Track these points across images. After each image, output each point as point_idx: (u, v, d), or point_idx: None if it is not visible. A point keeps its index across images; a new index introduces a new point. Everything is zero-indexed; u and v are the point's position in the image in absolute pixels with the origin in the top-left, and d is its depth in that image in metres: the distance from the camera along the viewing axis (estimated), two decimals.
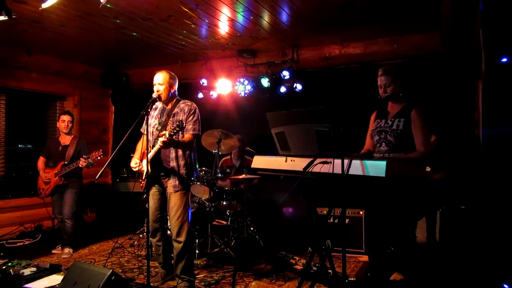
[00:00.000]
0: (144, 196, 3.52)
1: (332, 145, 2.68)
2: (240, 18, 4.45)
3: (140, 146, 3.71)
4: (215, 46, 5.63)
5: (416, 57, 5.04)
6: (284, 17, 4.44)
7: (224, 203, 4.91)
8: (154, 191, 3.64)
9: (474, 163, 4.27)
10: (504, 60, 3.17)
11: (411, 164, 2.86)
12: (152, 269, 4.00)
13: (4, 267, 3.39)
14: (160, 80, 3.55)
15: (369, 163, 2.52)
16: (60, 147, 5.03)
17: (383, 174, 2.41)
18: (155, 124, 3.61)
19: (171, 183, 3.52)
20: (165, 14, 4.32)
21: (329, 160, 2.65)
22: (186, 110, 3.55)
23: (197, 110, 3.62)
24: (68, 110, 6.12)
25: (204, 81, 6.21)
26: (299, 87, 5.58)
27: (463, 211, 3.94)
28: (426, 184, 3.06)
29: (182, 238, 3.50)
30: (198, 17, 4.41)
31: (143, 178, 3.52)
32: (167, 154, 3.53)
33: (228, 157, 5.72)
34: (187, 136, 3.51)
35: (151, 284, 3.26)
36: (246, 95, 5.93)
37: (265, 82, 5.70)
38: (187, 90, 6.30)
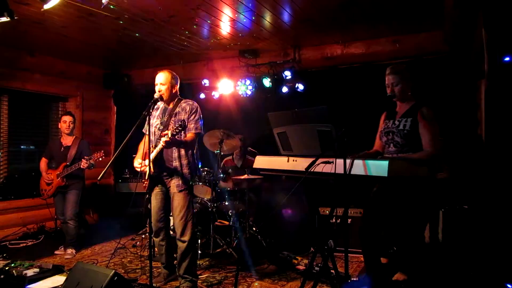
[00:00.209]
0: (147, 197, 3.53)
1: (334, 145, 2.68)
2: (241, 18, 4.45)
3: (142, 147, 3.72)
4: (217, 47, 5.63)
5: (419, 57, 5.02)
6: (286, 17, 4.44)
7: (226, 203, 4.90)
8: (157, 191, 3.64)
9: (476, 162, 4.26)
10: (507, 59, 3.16)
11: (415, 164, 2.82)
12: (154, 269, 3.99)
13: (7, 268, 3.41)
14: (162, 80, 3.55)
15: (371, 163, 2.51)
16: (62, 148, 5.03)
17: (385, 174, 2.41)
18: (157, 124, 3.61)
19: (175, 183, 3.52)
20: (167, 14, 4.33)
21: (331, 160, 2.65)
22: (187, 109, 3.55)
23: (199, 108, 3.62)
24: (69, 111, 6.11)
25: (206, 82, 6.21)
26: (301, 87, 5.57)
27: (466, 211, 3.92)
28: (430, 184, 3.01)
29: (186, 238, 3.50)
30: (200, 17, 4.42)
31: (146, 178, 3.52)
32: (169, 154, 3.53)
33: (230, 157, 5.72)
34: (190, 135, 3.51)
35: (153, 284, 3.27)
36: (248, 95, 5.93)
37: (267, 82, 5.70)
38: (189, 90, 6.32)
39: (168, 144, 3.25)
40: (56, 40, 5.28)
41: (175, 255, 3.69)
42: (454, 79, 4.84)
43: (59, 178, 4.86)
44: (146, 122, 3.35)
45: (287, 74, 5.49)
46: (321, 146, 2.80)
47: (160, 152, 3.47)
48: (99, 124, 7.31)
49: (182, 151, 3.53)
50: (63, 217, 4.93)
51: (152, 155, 3.41)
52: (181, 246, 3.52)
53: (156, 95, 3.47)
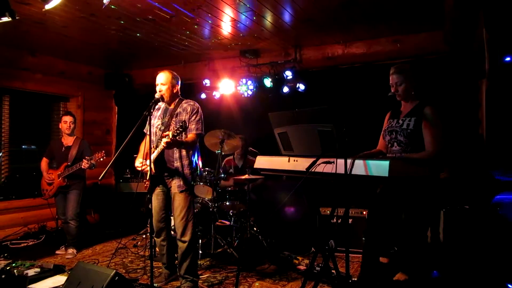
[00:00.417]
0: (148, 197, 3.53)
1: (335, 145, 2.68)
2: (242, 18, 4.45)
3: (143, 147, 3.72)
4: (218, 47, 5.63)
5: (420, 57, 5.02)
6: (287, 17, 4.44)
7: (227, 203, 4.90)
8: (158, 192, 3.64)
9: (477, 162, 4.25)
10: (508, 59, 3.16)
11: (416, 164, 2.82)
12: (155, 269, 4.00)
13: (8, 268, 3.41)
14: (162, 80, 3.55)
15: (372, 163, 2.51)
16: (63, 148, 5.04)
17: (386, 174, 2.40)
18: (158, 125, 3.61)
19: (176, 183, 3.52)
20: (168, 15, 4.33)
21: (331, 160, 2.65)
22: (189, 110, 3.55)
23: (200, 109, 3.62)
24: (69, 110, 6.12)
25: (207, 82, 6.21)
26: (302, 87, 5.57)
27: (467, 211, 3.91)
28: (432, 184, 3.01)
29: (187, 238, 3.51)
30: (200, 17, 4.42)
31: (147, 178, 3.53)
32: (170, 155, 3.54)
33: (231, 157, 5.71)
34: (191, 136, 3.52)
35: (154, 284, 3.27)
36: (249, 95, 5.93)
37: (268, 82, 5.70)
38: (190, 90, 6.31)
39: (169, 145, 3.26)
40: (57, 40, 5.29)
41: (176, 255, 3.70)
42: (455, 79, 4.83)
43: (60, 178, 4.87)
44: (147, 122, 3.35)
45: (288, 74, 5.48)
46: (322, 146, 2.80)
47: (161, 153, 3.47)
48: (100, 124, 7.32)
49: (183, 152, 3.53)
50: (64, 217, 4.94)
51: (153, 156, 3.41)
52: (182, 246, 3.52)
53: (157, 95, 3.47)
